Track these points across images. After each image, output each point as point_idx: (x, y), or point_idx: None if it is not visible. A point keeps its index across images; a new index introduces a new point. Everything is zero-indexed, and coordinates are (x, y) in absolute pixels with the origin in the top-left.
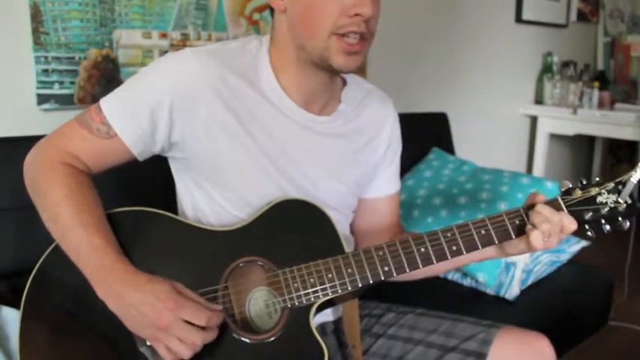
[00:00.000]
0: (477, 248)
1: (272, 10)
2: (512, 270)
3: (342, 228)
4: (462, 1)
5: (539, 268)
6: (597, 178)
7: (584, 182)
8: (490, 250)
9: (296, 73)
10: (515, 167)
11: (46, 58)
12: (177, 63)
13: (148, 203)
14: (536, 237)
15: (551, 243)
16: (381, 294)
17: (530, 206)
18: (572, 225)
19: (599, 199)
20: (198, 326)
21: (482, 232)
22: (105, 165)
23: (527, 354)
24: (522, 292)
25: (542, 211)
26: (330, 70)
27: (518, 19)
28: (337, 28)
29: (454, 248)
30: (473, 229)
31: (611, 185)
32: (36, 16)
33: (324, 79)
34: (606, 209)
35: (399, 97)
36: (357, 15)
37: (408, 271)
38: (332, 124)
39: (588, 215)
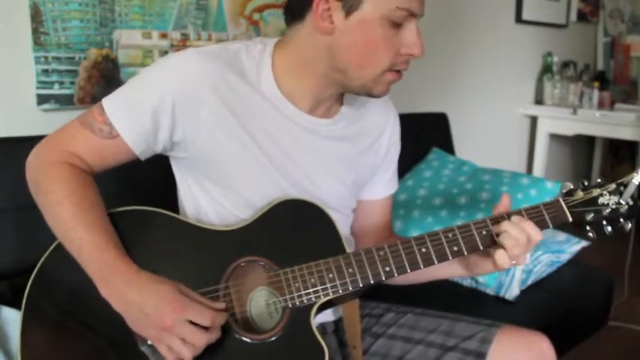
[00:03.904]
0: (479, 249)
1: (290, 20)
2: (512, 270)
3: (343, 228)
4: (462, 1)
5: (539, 268)
6: (599, 180)
7: (586, 183)
8: (459, 269)
9: (313, 83)
10: (516, 167)
11: (46, 58)
12: (179, 63)
13: (150, 202)
14: (501, 257)
15: (521, 259)
16: (380, 294)
17: (532, 208)
18: (537, 236)
19: (601, 200)
20: (202, 327)
21: (484, 232)
22: (107, 165)
23: (527, 353)
24: (522, 292)
25: (507, 228)
26: (364, 95)
27: (518, 19)
28: (392, 65)
29: (455, 249)
30: (474, 230)
31: (613, 186)
32: (36, 16)
33: (339, 91)
34: (608, 210)
35: (399, 97)
36: (408, 54)
37: (409, 271)
38: (334, 126)
39: (590, 216)
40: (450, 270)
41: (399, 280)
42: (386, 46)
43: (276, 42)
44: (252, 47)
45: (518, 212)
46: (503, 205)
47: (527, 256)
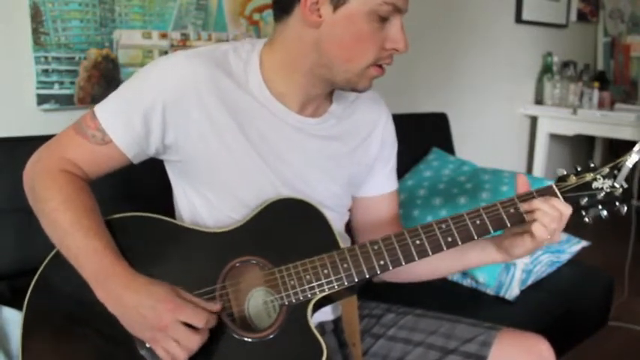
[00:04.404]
0: (473, 238)
1: (278, 15)
2: (512, 270)
3: (337, 227)
4: (462, 1)
5: (539, 269)
6: (592, 164)
7: (579, 169)
8: (495, 254)
9: (300, 81)
10: (515, 167)
11: (46, 58)
12: (168, 66)
13: (146, 207)
14: (539, 229)
15: (557, 235)
16: (380, 294)
17: (525, 195)
18: (567, 210)
19: (595, 184)
20: (196, 329)
21: (477, 222)
22: (102, 170)
23: (526, 356)
24: (522, 292)
25: (540, 206)
26: (348, 90)
27: (518, 19)
28: (376, 60)
29: (449, 239)
30: (467, 220)
31: (607, 170)
32: (36, 16)
33: (327, 89)
34: (602, 194)
35: (399, 98)
36: (393, 49)
37: (403, 263)
38: (323, 124)
39: (584, 201)
40: (484, 257)
41: (424, 271)
42: (372, 41)
43: (264, 42)
44: (241, 48)
45: (511, 199)
46: (521, 185)
47: (560, 234)
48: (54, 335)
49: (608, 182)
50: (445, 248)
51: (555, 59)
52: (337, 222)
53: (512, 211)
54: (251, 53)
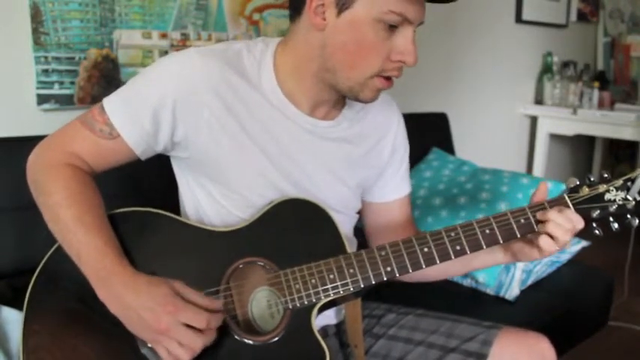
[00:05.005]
0: (482, 248)
1: (292, 15)
2: (512, 270)
3: (345, 229)
4: (462, 1)
5: (539, 268)
6: (605, 175)
7: (592, 179)
8: (501, 257)
9: (309, 85)
10: (515, 167)
11: (46, 58)
12: (179, 63)
13: (151, 203)
14: (547, 243)
15: (565, 246)
16: (381, 295)
17: (536, 205)
18: (580, 224)
19: (607, 196)
20: (198, 329)
21: (487, 231)
22: (108, 165)
23: (527, 355)
24: (522, 292)
25: (552, 218)
26: (352, 99)
27: (518, 19)
28: (381, 71)
29: (458, 248)
30: (477, 229)
31: (620, 182)
32: (36, 16)
33: (335, 95)
34: (614, 207)
35: (399, 98)
36: (400, 61)
37: (411, 271)
38: (335, 127)
39: (596, 213)
40: (490, 260)
41: (432, 273)
42: (376, 50)
43: (278, 42)
44: (254, 47)
45: (522, 209)
46: (540, 191)
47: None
48: (54, 332)
49: (621, 194)
50: (453, 257)
51: (555, 59)
52: (345, 224)
53: (522, 221)
54: (265, 53)
